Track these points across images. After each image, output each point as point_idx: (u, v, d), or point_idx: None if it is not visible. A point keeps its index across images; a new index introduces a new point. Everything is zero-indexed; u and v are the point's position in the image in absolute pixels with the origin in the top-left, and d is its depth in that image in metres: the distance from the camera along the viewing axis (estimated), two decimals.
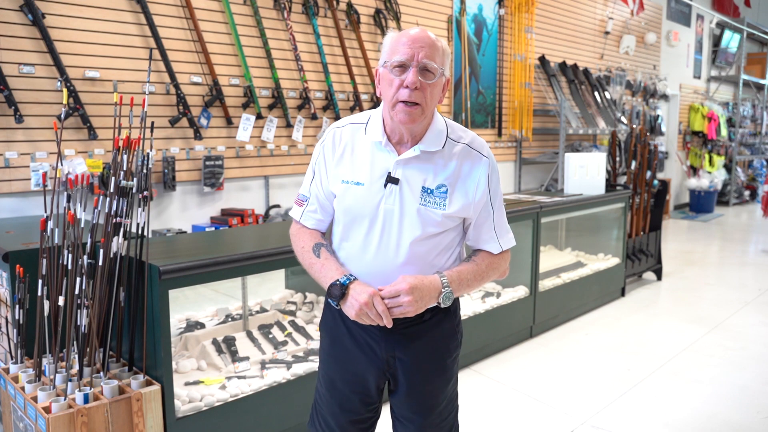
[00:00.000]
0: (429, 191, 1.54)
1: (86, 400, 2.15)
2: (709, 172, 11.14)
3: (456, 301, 1.72)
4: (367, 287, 1.50)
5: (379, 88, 1.56)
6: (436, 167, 1.55)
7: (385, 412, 1.87)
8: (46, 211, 2.35)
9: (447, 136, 1.58)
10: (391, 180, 1.54)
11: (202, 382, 2.69)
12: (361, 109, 5.15)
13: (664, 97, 9.69)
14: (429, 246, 1.57)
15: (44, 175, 2.51)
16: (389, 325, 1.49)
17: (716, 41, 11.69)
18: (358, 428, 1.75)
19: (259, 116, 4.49)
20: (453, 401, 1.76)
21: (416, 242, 1.55)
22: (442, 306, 1.57)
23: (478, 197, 1.58)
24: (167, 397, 2.32)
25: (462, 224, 1.64)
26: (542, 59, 7.20)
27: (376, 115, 1.60)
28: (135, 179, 2.39)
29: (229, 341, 3.06)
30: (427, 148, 1.55)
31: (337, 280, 1.53)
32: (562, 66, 7.42)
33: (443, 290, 1.53)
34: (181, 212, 4.26)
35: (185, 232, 4.17)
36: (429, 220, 1.54)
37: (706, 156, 11.19)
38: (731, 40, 11.90)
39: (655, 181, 5.92)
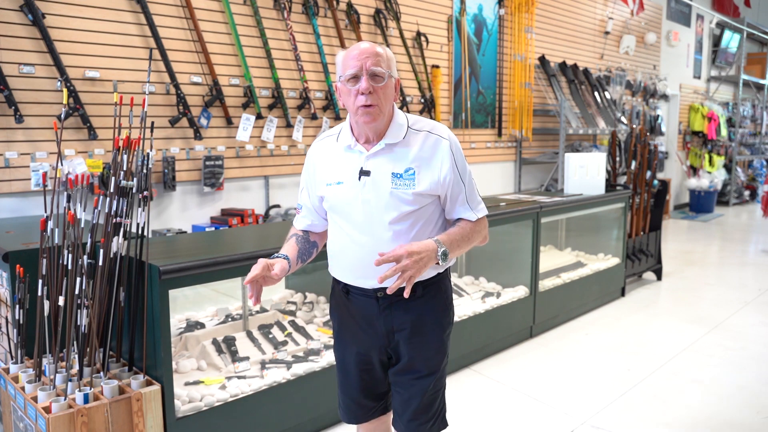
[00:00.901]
0: (398, 175, 1.73)
1: (86, 400, 2.15)
2: (709, 172, 11.13)
3: (446, 281, 1.89)
4: (270, 261, 1.71)
5: (341, 101, 1.76)
6: (402, 155, 1.74)
7: None
8: (46, 211, 2.35)
9: (408, 128, 1.78)
10: (364, 173, 1.74)
11: (202, 382, 2.69)
12: None
13: (664, 97, 9.69)
14: (408, 223, 1.75)
15: (44, 175, 2.52)
16: (256, 300, 1.66)
17: (716, 41, 11.69)
18: (373, 401, 1.95)
19: (259, 116, 4.49)
20: (443, 378, 1.94)
21: (395, 222, 1.73)
22: (441, 265, 1.72)
23: (443, 174, 1.75)
24: (167, 397, 2.32)
25: (438, 202, 1.81)
26: (542, 59, 7.20)
27: (345, 125, 1.82)
28: (135, 179, 2.39)
29: (229, 341, 3.06)
30: (390, 141, 1.75)
31: (273, 255, 1.79)
32: (562, 66, 7.42)
33: (439, 248, 1.68)
34: (181, 212, 4.26)
35: (185, 232, 4.17)
36: (402, 201, 1.72)
37: (706, 156, 11.19)
38: (731, 40, 11.90)
39: (655, 181, 5.92)
